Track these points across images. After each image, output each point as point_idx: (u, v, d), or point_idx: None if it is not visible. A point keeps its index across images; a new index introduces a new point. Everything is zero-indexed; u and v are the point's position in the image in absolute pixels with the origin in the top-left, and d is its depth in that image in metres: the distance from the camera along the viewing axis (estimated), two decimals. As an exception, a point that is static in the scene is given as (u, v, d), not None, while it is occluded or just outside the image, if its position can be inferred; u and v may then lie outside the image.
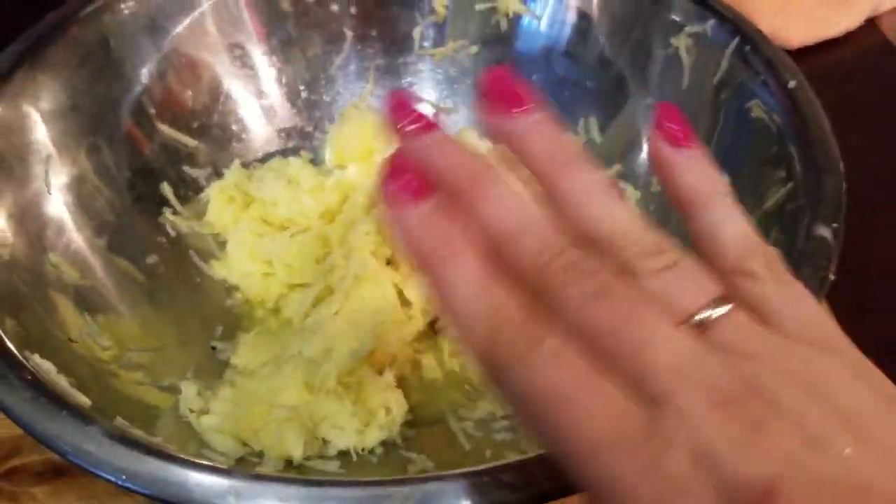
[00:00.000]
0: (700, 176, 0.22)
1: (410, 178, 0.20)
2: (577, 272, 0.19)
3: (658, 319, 0.18)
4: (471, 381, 0.40)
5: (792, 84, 0.38)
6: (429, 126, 0.21)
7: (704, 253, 0.21)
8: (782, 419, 0.17)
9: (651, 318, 0.18)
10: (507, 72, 0.22)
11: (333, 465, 0.35)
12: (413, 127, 0.21)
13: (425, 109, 0.21)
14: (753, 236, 0.21)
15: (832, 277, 0.31)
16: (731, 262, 0.21)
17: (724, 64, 0.40)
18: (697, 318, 0.19)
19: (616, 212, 0.20)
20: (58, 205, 0.38)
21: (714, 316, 0.19)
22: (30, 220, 0.36)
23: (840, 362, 0.19)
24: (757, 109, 0.38)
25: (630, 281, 0.19)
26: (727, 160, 0.36)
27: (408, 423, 0.38)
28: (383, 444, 0.37)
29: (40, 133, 0.38)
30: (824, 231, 0.32)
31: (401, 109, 0.21)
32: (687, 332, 0.18)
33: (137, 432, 0.29)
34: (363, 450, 0.36)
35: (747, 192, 0.36)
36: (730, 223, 0.21)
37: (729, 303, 0.19)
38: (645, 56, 0.44)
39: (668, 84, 0.43)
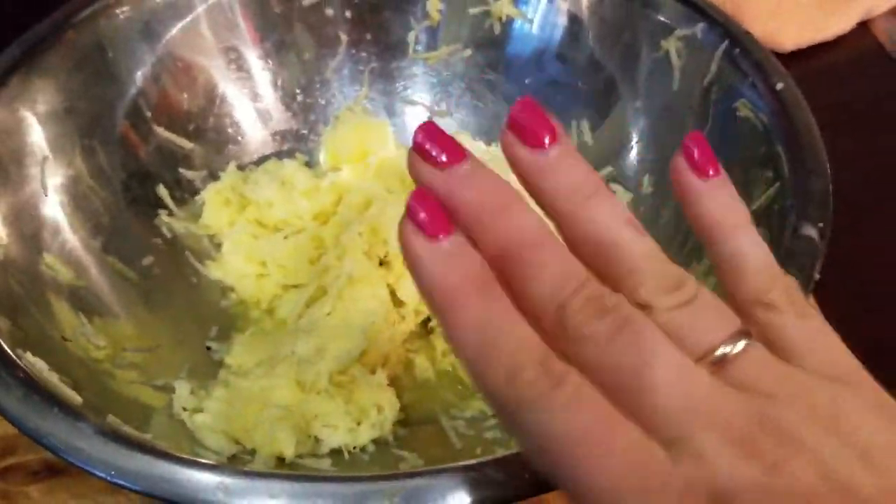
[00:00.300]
0: (723, 205, 0.22)
1: (430, 214, 0.19)
2: (597, 307, 0.19)
3: (676, 358, 0.18)
4: (462, 381, 0.41)
5: (780, 86, 0.38)
6: (453, 160, 0.20)
7: (724, 281, 0.22)
8: (800, 457, 0.17)
9: (670, 358, 0.18)
10: (535, 103, 0.21)
11: (325, 463, 0.35)
12: (434, 163, 0.20)
13: (452, 142, 0.20)
14: (774, 266, 0.21)
15: (818, 276, 0.31)
16: (751, 292, 0.21)
17: (714, 66, 0.41)
18: (716, 354, 0.19)
19: (636, 245, 0.20)
20: (53, 206, 0.38)
21: (733, 352, 0.19)
22: (25, 221, 0.37)
23: (859, 397, 0.19)
24: (744, 109, 0.38)
25: (649, 316, 0.19)
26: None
27: (400, 422, 0.38)
28: (375, 442, 0.37)
29: (36, 135, 0.38)
30: (811, 231, 0.33)
31: (424, 144, 0.20)
32: (705, 369, 0.18)
33: (128, 429, 0.29)
34: (355, 448, 0.36)
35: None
36: (751, 253, 0.21)
37: (748, 338, 0.19)
38: (635, 58, 0.44)
39: (657, 86, 0.43)
